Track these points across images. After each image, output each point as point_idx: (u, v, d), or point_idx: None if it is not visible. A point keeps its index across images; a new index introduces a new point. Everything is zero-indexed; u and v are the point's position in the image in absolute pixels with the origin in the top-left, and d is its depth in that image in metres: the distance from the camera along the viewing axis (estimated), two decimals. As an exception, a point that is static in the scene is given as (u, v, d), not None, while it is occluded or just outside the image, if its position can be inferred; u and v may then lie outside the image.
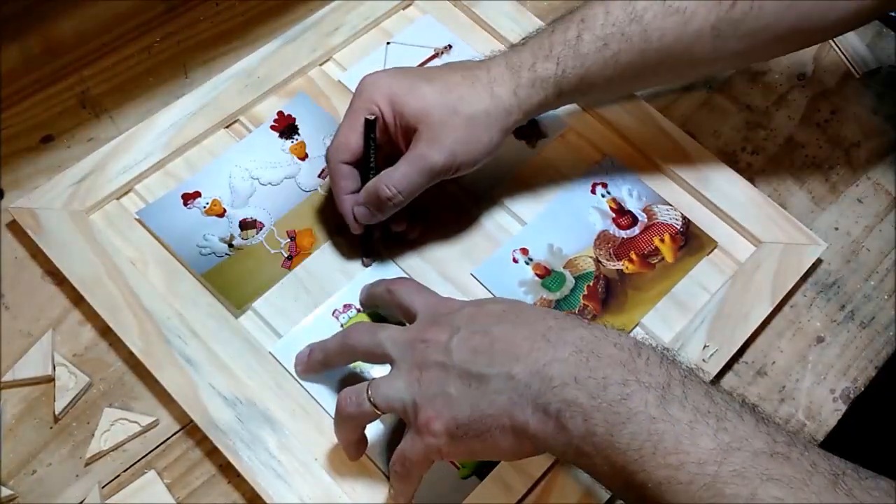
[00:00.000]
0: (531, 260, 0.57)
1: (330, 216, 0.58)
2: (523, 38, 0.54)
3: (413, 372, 0.42)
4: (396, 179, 0.50)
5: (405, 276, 0.56)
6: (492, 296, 0.56)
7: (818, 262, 0.60)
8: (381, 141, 0.52)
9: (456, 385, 0.41)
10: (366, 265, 0.56)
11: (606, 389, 0.37)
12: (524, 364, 0.39)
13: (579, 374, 0.38)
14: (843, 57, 0.71)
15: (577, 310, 0.56)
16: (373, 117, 0.51)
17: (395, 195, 0.50)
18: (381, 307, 0.53)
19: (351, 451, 0.47)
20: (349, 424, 0.45)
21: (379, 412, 0.43)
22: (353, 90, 0.52)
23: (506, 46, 0.58)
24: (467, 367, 0.41)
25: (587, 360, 0.39)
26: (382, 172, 0.51)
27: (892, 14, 0.73)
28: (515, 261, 0.57)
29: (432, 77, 0.51)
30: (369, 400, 0.43)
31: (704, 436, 0.36)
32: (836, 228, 0.62)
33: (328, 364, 0.50)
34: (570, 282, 0.57)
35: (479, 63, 0.53)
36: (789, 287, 0.57)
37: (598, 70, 0.51)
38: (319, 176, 0.59)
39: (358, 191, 0.53)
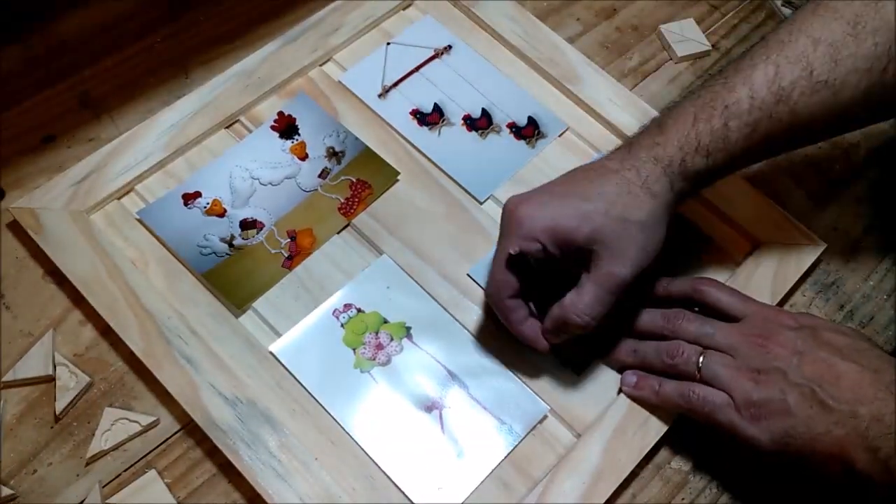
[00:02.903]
0: (530, 260, 0.57)
1: (330, 216, 0.58)
2: (658, 122, 0.51)
3: (750, 372, 0.47)
4: (587, 305, 0.48)
5: (396, 275, 0.56)
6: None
7: (817, 261, 0.60)
8: (538, 264, 0.51)
9: (795, 399, 0.45)
10: (573, 370, 0.54)
11: None
12: (868, 409, 0.43)
13: None
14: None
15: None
16: (517, 251, 0.49)
17: (589, 321, 0.48)
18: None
19: (616, 368, 0.53)
20: (659, 365, 0.50)
21: (696, 376, 0.48)
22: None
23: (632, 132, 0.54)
24: (812, 389, 0.45)
25: None
26: (566, 300, 0.49)
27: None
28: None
29: (587, 195, 0.49)
30: (698, 364, 0.48)
31: None
32: (836, 228, 0.62)
33: (632, 332, 0.53)
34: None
35: (621, 163, 0.50)
36: (789, 287, 0.57)
37: (745, 154, 0.50)
38: (319, 176, 0.60)
39: (530, 314, 0.51)
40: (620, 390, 0.52)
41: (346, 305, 0.55)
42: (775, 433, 0.45)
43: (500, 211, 0.59)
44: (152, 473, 0.49)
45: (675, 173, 0.49)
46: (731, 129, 0.49)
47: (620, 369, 0.53)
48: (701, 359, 0.48)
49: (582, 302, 0.48)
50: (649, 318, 0.53)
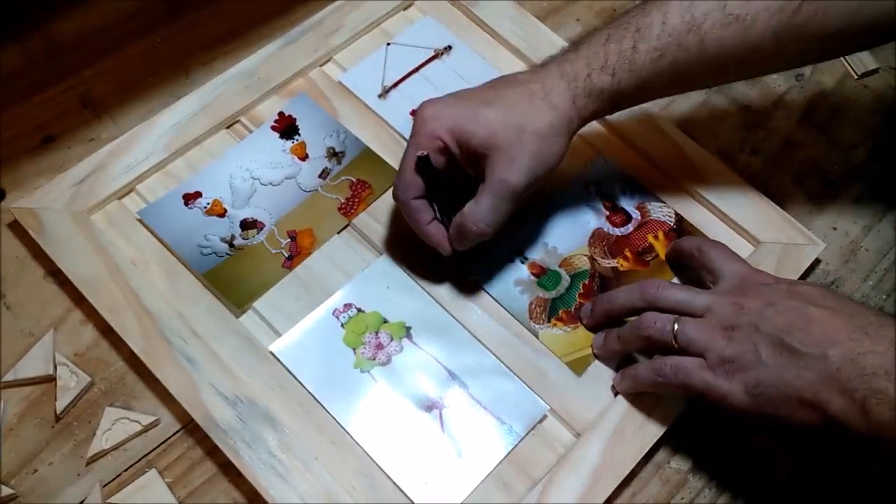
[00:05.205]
0: (526, 259, 0.58)
1: (330, 216, 0.58)
2: (575, 42, 0.53)
3: (723, 330, 0.46)
4: (482, 213, 0.50)
5: (408, 269, 0.56)
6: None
7: (817, 262, 0.60)
8: (445, 167, 0.51)
9: (766, 349, 0.44)
10: (467, 277, 0.57)
11: None
12: (840, 349, 0.42)
13: (891, 367, 0.40)
14: (841, 57, 0.72)
15: (573, 308, 0.56)
16: (424, 154, 0.50)
17: (485, 229, 0.50)
18: (685, 262, 0.56)
19: (610, 362, 0.54)
20: (638, 342, 0.50)
21: (673, 345, 0.47)
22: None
23: (559, 49, 0.55)
24: (781, 336, 0.43)
25: None
26: (465, 208, 0.51)
27: (891, 15, 0.73)
28: (511, 260, 0.57)
29: (489, 100, 0.50)
30: (673, 331, 0.47)
31: None
32: (835, 228, 0.63)
33: (614, 313, 0.53)
34: (566, 280, 0.57)
35: (531, 75, 0.52)
36: (788, 287, 0.57)
37: (653, 80, 0.51)
38: (320, 176, 0.60)
39: (435, 217, 0.53)
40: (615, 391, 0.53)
41: (346, 305, 0.55)
42: (748, 386, 0.44)
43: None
44: (153, 473, 0.50)
45: (579, 88, 0.50)
46: (640, 52, 0.50)
47: (615, 364, 0.54)
48: (675, 326, 0.47)
49: (478, 210, 0.50)
50: (625, 294, 0.52)
